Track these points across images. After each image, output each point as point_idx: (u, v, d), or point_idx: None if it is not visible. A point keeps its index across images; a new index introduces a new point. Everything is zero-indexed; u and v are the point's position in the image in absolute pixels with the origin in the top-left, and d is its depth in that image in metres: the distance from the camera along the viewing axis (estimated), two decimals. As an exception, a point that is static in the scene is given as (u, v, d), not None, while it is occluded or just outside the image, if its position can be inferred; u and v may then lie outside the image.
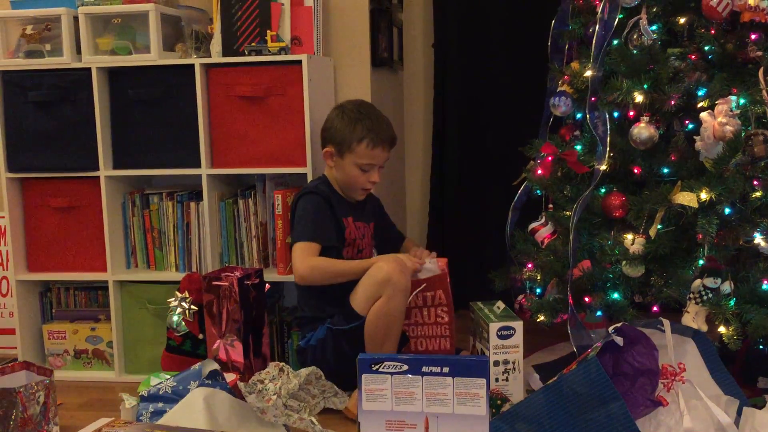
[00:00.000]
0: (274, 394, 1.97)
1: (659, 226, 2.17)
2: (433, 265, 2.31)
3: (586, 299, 2.29)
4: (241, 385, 2.01)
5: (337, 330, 2.20)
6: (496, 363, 2.16)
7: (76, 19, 2.53)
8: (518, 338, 2.17)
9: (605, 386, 1.75)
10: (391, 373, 1.75)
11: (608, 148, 2.28)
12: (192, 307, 2.35)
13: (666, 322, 1.96)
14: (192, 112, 2.51)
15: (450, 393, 1.73)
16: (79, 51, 2.54)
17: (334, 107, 2.38)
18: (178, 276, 2.52)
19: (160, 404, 1.94)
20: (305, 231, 2.23)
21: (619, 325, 1.89)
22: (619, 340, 1.86)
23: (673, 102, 2.23)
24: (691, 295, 2.09)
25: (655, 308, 2.31)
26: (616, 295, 2.28)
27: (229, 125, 2.53)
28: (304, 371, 2.08)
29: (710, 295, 2.06)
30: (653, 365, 1.85)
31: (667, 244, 2.18)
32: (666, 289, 2.19)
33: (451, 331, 2.32)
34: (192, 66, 2.50)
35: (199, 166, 2.54)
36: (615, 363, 1.90)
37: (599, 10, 2.29)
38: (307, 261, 2.20)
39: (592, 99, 2.33)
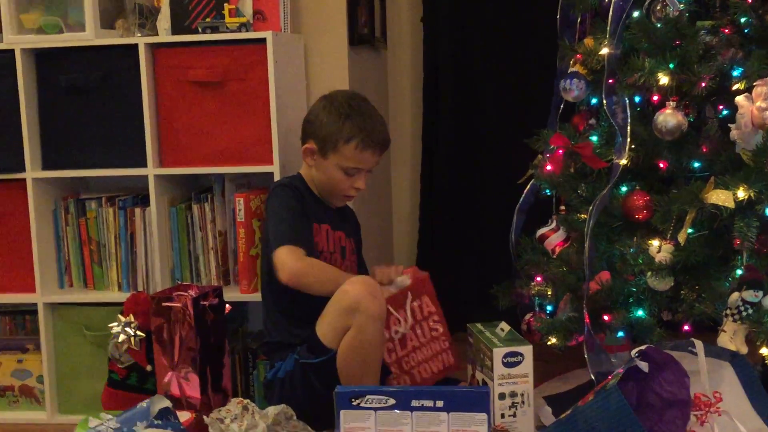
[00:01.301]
0: (238, 437, 1.97)
1: (690, 231, 2.18)
2: (404, 279, 2.30)
3: (606, 318, 2.30)
4: (207, 420, 2.00)
5: (304, 363, 2.20)
6: (502, 396, 2.16)
7: (-5, -9, 2.52)
8: (527, 366, 2.17)
9: (628, 420, 1.75)
10: (375, 409, 1.75)
11: (629, 139, 2.29)
12: (138, 333, 2.34)
13: (699, 344, 1.96)
14: (136, 102, 2.50)
15: (445, 431, 1.73)
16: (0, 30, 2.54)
17: (321, 97, 2.37)
18: (122, 297, 2.49)
19: (101, 450, 1.92)
20: (286, 234, 2.21)
21: (644, 347, 1.89)
22: (644, 366, 1.86)
23: (704, 84, 2.24)
24: (728, 311, 2.10)
25: (686, 327, 2.32)
26: (640, 313, 2.29)
27: (181, 116, 2.52)
28: (272, 410, 2.07)
29: (750, 311, 2.07)
30: (684, 395, 1.86)
31: (699, 251, 2.19)
32: (698, 305, 2.20)
33: (450, 341, 2.33)
34: (135, 46, 2.49)
35: (145, 165, 2.53)
36: (640, 392, 1.91)
37: (616, -24, 2.31)
38: (302, 259, 2.17)
39: (610, 81, 2.34)
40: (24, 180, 2.57)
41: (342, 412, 1.75)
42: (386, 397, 1.74)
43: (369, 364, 2.15)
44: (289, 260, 2.16)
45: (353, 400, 1.75)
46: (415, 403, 1.74)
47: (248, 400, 2.08)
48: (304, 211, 2.28)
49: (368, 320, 2.11)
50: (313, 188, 2.36)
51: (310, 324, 2.23)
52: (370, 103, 2.36)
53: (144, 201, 2.63)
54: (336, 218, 2.39)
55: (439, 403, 1.73)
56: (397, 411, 1.74)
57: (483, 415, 1.72)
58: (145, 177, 2.54)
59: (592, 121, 2.54)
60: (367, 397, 1.75)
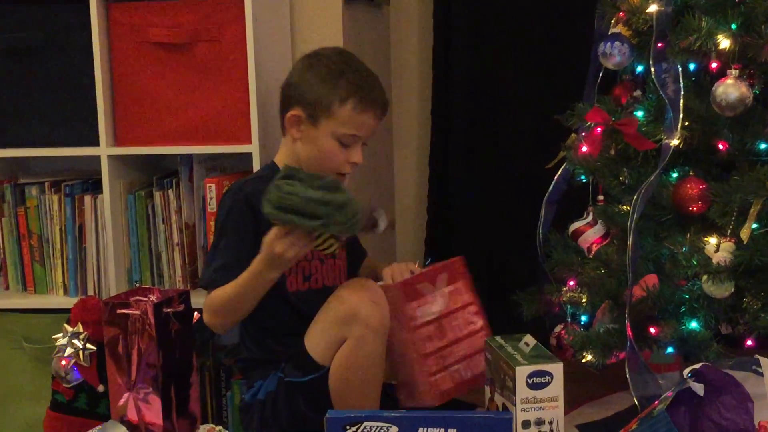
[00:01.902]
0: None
1: (754, 226, 2.19)
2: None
3: (652, 330, 2.31)
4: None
5: (290, 383, 2.20)
6: (526, 424, 2.16)
7: None
8: (557, 387, 2.16)
9: (679, 453, 1.76)
10: (374, 438, 1.75)
11: (681, 115, 2.30)
12: (88, 346, 2.34)
13: (765, 362, 1.96)
14: (86, 67, 2.51)
15: (459, 465, 1.73)
16: None
17: (302, 56, 2.37)
18: (69, 302, 2.48)
19: (43, 486, 1.93)
20: (211, 275, 2.23)
21: (698, 366, 1.89)
22: (699, 388, 1.86)
23: (773, 49, 2.25)
24: (801, 323, 2.11)
25: (749, 342, 2.34)
26: (693, 324, 2.29)
27: (140, 85, 2.53)
28: (248, 445, 2.08)
29: (827, 323, 2.09)
30: (746, 423, 1.86)
31: (765, 250, 2.20)
32: (764, 315, 2.21)
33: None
34: (86, 0, 2.49)
35: (97, 144, 2.54)
36: (693, 420, 1.91)
37: None
38: (205, 308, 2.24)
39: (659, 45, 2.34)
40: (-50, 161, 2.59)
41: (334, 442, 1.75)
42: (387, 424, 1.74)
43: (367, 384, 2.15)
44: (204, 308, 2.24)
45: (348, 427, 1.75)
46: (422, 431, 1.74)
47: (221, 428, 2.09)
48: (252, 225, 2.25)
49: (368, 332, 2.11)
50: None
51: (295, 336, 2.23)
52: (361, 61, 2.35)
53: (95, 187, 2.63)
54: None
55: (452, 432, 1.73)
56: (401, 441, 1.74)
57: (504, 447, 1.72)
58: (97, 158, 2.54)
59: (637, 93, 2.55)
60: (365, 424, 1.74)
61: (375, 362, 2.15)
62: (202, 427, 2.09)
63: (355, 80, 2.24)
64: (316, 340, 2.17)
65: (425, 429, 1.74)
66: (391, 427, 1.74)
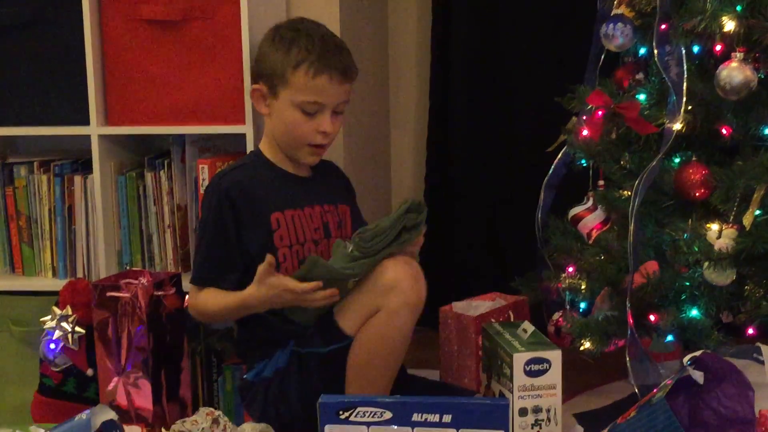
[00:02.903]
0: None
1: (757, 212, 2.18)
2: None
3: (652, 318, 2.30)
4: (173, 428, 2.01)
5: (309, 354, 2.20)
6: (523, 411, 2.17)
7: None
8: (555, 375, 2.17)
9: (678, 442, 1.76)
10: (368, 424, 1.75)
11: (685, 99, 2.29)
12: (77, 329, 2.34)
13: (766, 350, 1.97)
14: (77, 45, 2.50)
15: (453, 452, 1.74)
16: None
17: (268, 30, 2.37)
18: (57, 284, 2.50)
19: (31, 471, 1.94)
20: (196, 268, 2.28)
21: (698, 354, 1.89)
22: (699, 376, 1.86)
23: (779, 32, 2.25)
24: (803, 311, 2.12)
25: (750, 330, 2.32)
26: (694, 312, 2.29)
27: (132, 63, 2.52)
28: (248, 428, 2.07)
29: (830, 311, 2.09)
30: (747, 412, 1.87)
31: (768, 237, 2.19)
32: (766, 303, 2.21)
33: None
34: (77, -25, 2.49)
35: (87, 123, 2.53)
36: (692, 408, 1.91)
37: None
38: (191, 302, 2.27)
39: (662, 27, 2.33)
40: (-64, 139, 2.59)
41: (327, 427, 1.75)
42: (381, 410, 1.74)
43: (390, 359, 2.15)
44: (190, 305, 2.29)
45: (341, 412, 1.75)
46: (416, 417, 1.74)
47: (220, 412, 2.08)
48: (232, 230, 2.25)
49: (405, 306, 2.11)
50: (276, 160, 2.33)
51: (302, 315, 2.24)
52: (324, 27, 2.33)
53: (85, 167, 2.62)
54: (309, 190, 2.37)
55: (447, 418, 1.73)
56: (395, 427, 1.74)
57: (500, 434, 1.72)
58: (87, 138, 2.54)
59: (640, 75, 2.53)
60: (358, 409, 1.75)
61: (404, 338, 2.16)
62: (201, 409, 2.09)
63: (306, 45, 2.23)
64: (346, 309, 2.16)
65: (420, 415, 1.74)
66: (385, 412, 1.74)
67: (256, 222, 2.24)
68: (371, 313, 2.12)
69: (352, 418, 1.75)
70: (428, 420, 1.73)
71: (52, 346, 2.35)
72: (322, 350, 2.17)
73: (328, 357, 2.17)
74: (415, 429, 1.74)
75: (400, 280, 2.11)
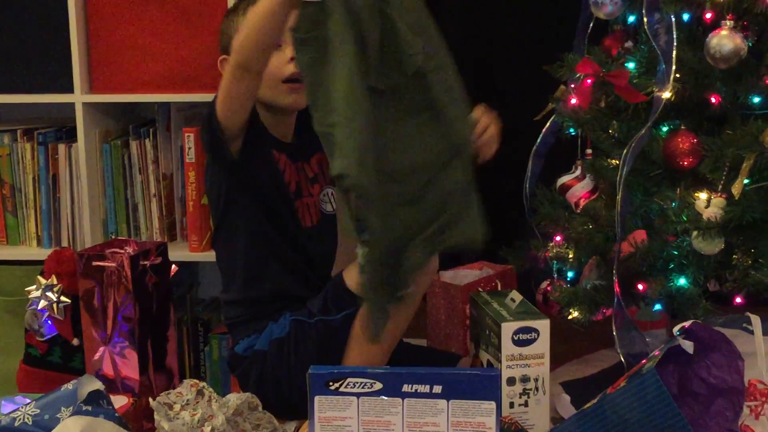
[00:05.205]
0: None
1: (746, 181, 2.18)
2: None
3: (640, 287, 2.31)
4: (153, 404, 1.99)
5: (319, 323, 2.19)
6: (511, 380, 2.17)
7: None
8: (543, 344, 2.17)
9: (668, 411, 1.75)
10: (358, 395, 1.75)
11: (674, 67, 2.28)
12: (62, 299, 2.34)
13: (755, 320, 1.97)
14: (59, 9, 2.49)
15: (444, 423, 1.73)
16: None
17: None
18: (42, 253, 2.49)
19: (17, 441, 1.92)
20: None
21: (687, 324, 1.89)
22: (689, 346, 1.86)
23: (769, -1, 2.24)
24: (792, 280, 2.12)
25: (738, 299, 2.33)
26: (682, 281, 2.29)
27: (116, 30, 2.52)
28: (233, 399, 2.06)
29: (819, 280, 2.09)
30: (736, 381, 1.87)
31: (757, 206, 2.19)
32: (755, 272, 2.21)
33: None
34: (59, -64, 2.48)
35: (71, 90, 2.53)
36: (681, 378, 1.91)
37: None
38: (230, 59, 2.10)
39: (652, -7, 2.32)
40: None
41: (316, 398, 1.75)
42: (371, 381, 1.73)
43: (399, 320, 2.16)
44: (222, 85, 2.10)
45: (330, 383, 1.74)
46: (406, 388, 1.74)
47: (204, 384, 2.08)
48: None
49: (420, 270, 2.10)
50: (264, 122, 2.30)
51: (302, 280, 2.24)
52: None
53: (70, 135, 2.61)
54: (301, 144, 2.34)
55: (437, 389, 1.73)
56: (385, 397, 1.74)
57: (491, 404, 1.71)
58: (71, 105, 2.53)
59: (629, 43, 2.53)
60: (348, 380, 1.74)
61: (413, 303, 2.18)
62: (185, 381, 2.08)
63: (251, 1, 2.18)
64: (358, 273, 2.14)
65: (410, 386, 1.74)
66: (375, 383, 1.74)
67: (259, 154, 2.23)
68: None
69: (342, 389, 1.75)
70: (418, 391, 1.74)
71: (38, 315, 2.34)
72: (336, 317, 2.17)
73: (337, 325, 2.18)
74: (406, 400, 1.74)
75: None
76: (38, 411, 1.94)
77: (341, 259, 2.38)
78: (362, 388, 1.74)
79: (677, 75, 2.30)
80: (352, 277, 2.19)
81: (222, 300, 2.38)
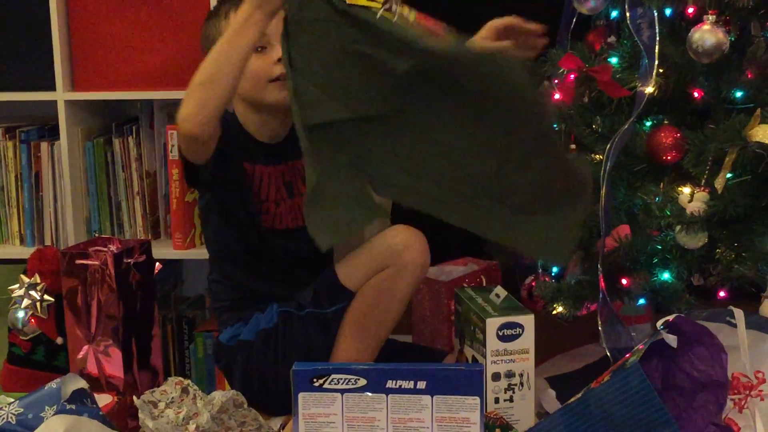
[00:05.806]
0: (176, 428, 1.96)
1: (729, 176, 2.18)
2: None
3: (624, 281, 2.31)
4: (137, 403, 1.99)
5: (309, 316, 2.19)
6: (496, 376, 2.16)
7: None
8: (528, 339, 2.17)
9: (652, 405, 1.75)
10: (342, 391, 1.75)
11: (657, 62, 2.28)
12: (45, 297, 2.33)
13: (738, 313, 1.96)
14: (40, 5, 2.48)
15: (428, 418, 1.73)
16: None
17: None
18: (25, 252, 2.49)
19: (0, 441, 1.91)
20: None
21: (671, 318, 1.89)
22: (672, 340, 1.86)
23: (750, -6, 2.25)
24: (775, 274, 2.12)
25: (721, 293, 2.34)
26: (666, 275, 2.30)
27: (99, 27, 2.51)
28: (218, 396, 2.06)
29: (801, 274, 2.10)
30: (720, 375, 1.87)
31: (740, 200, 2.20)
32: (738, 266, 2.21)
33: None
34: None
35: (53, 88, 2.53)
36: (665, 372, 1.91)
37: None
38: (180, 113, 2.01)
39: (635, -11, 2.33)
40: None
41: (300, 395, 1.74)
42: (355, 377, 1.73)
43: (387, 316, 2.18)
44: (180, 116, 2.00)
45: (315, 380, 1.74)
46: (390, 384, 1.74)
47: (189, 381, 2.07)
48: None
49: (412, 266, 2.16)
50: (247, 123, 2.28)
51: (288, 279, 2.24)
52: None
53: (52, 133, 2.60)
54: (293, 144, 2.33)
55: (421, 384, 1.73)
56: (369, 393, 1.74)
57: (475, 399, 1.71)
58: (54, 103, 2.53)
59: (612, 39, 2.54)
60: (332, 376, 1.74)
61: (405, 297, 2.20)
62: (169, 379, 2.07)
63: (229, 2, 2.17)
64: (353, 268, 2.19)
65: (394, 382, 1.74)
66: (359, 379, 1.74)
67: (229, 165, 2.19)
68: (378, 271, 2.17)
69: (326, 386, 1.75)
70: (403, 387, 1.74)
71: (21, 314, 2.34)
72: (326, 311, 2.18)
73: (328, 318, 2.19)
74: (390, 396, 1.75)
75: (411, 243, 2.17)
76: (22, 410, 1.93)
77: (339, 255, 2.38)
78: (346, 384, 1.75)
79: (660, 70, 2.30)
80: (345, 270, 2.20)
81: (208, 280, 2.36)
